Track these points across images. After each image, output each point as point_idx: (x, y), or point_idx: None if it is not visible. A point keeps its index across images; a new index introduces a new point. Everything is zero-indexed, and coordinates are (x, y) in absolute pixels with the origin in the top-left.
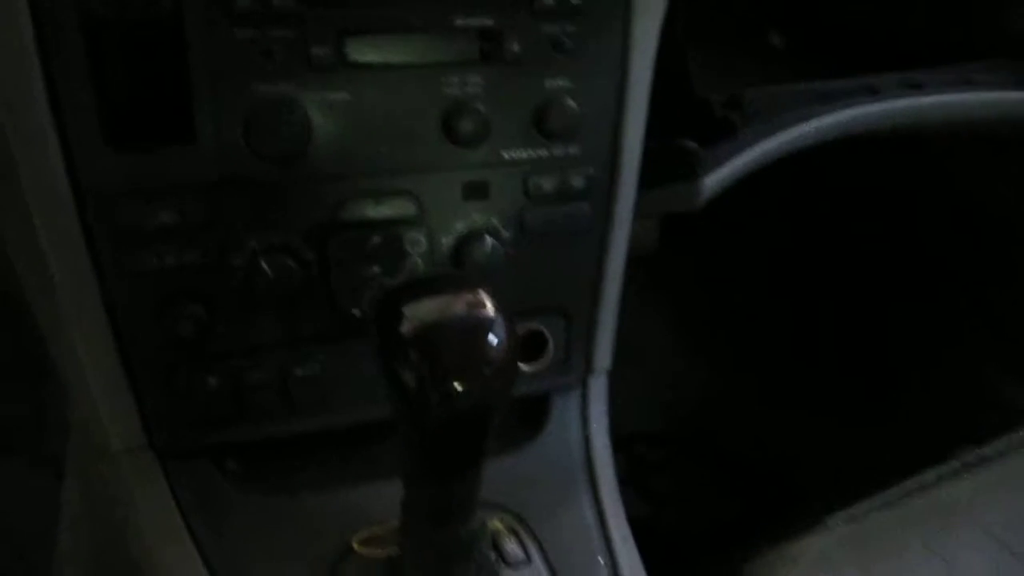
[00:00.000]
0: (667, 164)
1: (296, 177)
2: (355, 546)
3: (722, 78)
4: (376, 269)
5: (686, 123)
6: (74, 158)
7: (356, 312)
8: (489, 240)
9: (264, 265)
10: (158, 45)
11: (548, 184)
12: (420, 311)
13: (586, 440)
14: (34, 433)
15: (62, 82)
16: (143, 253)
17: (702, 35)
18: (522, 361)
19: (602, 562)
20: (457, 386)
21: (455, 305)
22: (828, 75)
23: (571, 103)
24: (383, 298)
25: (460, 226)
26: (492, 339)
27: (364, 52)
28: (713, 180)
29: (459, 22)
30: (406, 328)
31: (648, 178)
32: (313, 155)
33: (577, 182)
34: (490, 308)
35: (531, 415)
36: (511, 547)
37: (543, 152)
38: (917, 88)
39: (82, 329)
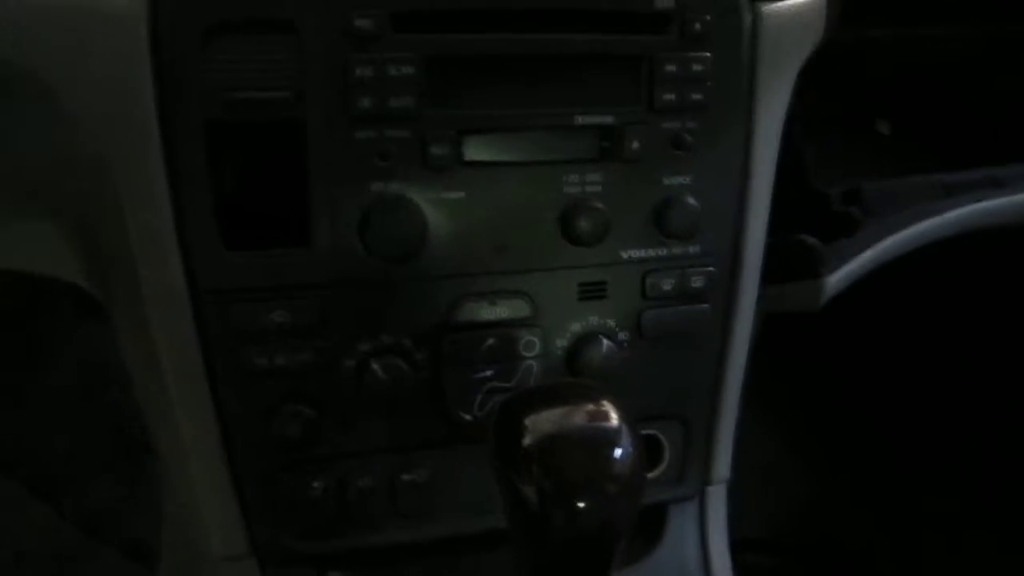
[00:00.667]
0: (787, 261)
1: (410, 277)
2: None
3: (830, 166)
4: (489, 372)
5: (804, 217)
6: (192, 258)
7: (467, 417)
8: (605, 342)
9: (375, 367)
10: (279, 148)
11: (667, 284)
12: (542, 422)
13: (705, 556)
14: (126, 518)
15: (185, 184)
16: (255, 353)
17: (809, 123)
18: None
19: None
20: (581, 504)
21: (578, 416)
22: (935, 163)
23: (691, 201)
24: (502, 407)
25: (575, 327)
26: (618, 453)
27: (481, 151)
28: (836, 279)
29: (579, 120)
30: (528, 440)
31: (767, 275)
32: (428, 255)
33: (697, 282)
34: (615, 419)
35: (646, 527)
36: None
37: (662, 251)
38: None
39: (190, 427)
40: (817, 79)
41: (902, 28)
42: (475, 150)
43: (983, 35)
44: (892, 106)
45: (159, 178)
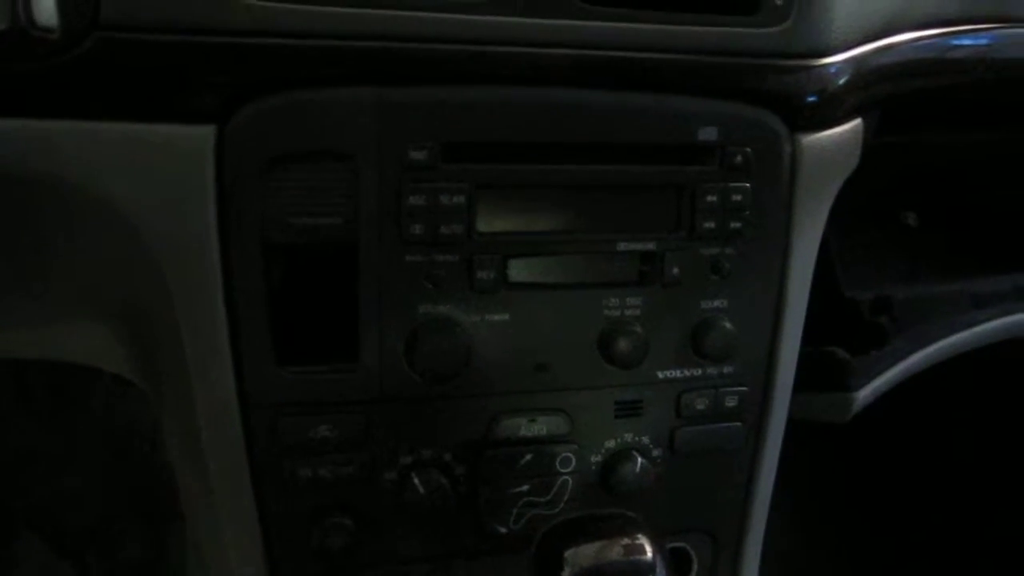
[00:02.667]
0: (817, 372)
1: (452, 394)
2: None
3: (857, 259)
4: (525, 487)
5: (834, 325)
6: (244, 372)
7: (502, 529)
8: (639, 459)
9: (416, 481)
10: (330, 269)
11: (701, 403)
12: (581, 556)
13: None
14: None
15: (241, 303)
16: (300, 465)
17: (835, 214)
18: None
19: None
20: None
21: (615, 550)
22: (962, 257)
23: (727, 325)
24: (542, 538)
25: (610, 444)
26: None
27: (525, 274)
28: (866, 392)
29: (622, 246)
30: (567, 573)
31: (796, 384)
32: (471, 373)
33: (730, 401)
34: (650, 554)
35: None
36: None
37: (697, 371)
38: None
39: (232, 530)
40: None
41: (932, 135)
42: (519, 273)
43: (1010, 140)
44: (919, 199)
45: (216, 296)
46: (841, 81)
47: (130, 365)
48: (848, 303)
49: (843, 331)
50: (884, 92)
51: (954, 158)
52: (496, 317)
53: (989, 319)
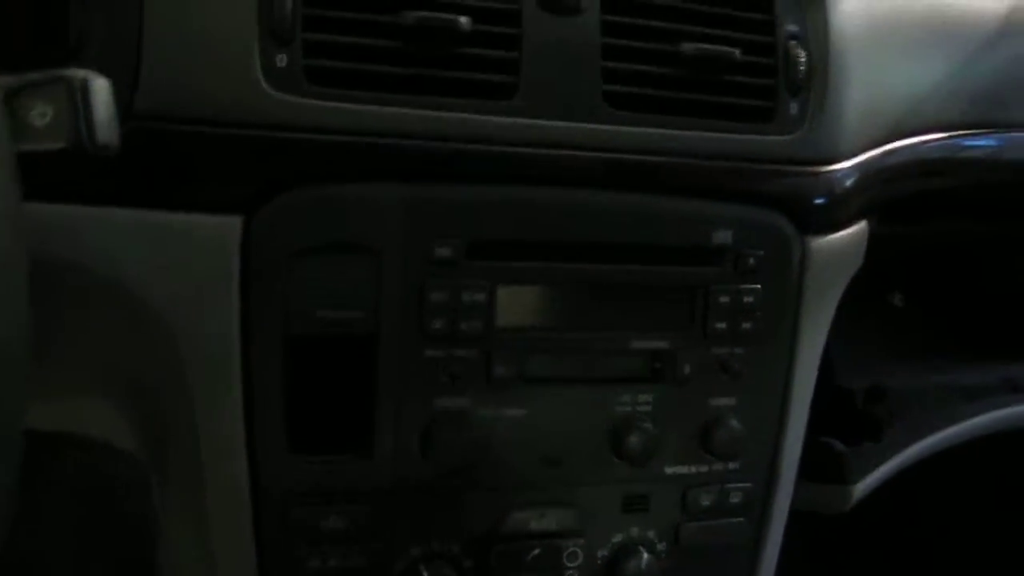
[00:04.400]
0: (814, 464)
1: (464, 488)
2: None
3: (843, 339)
4: None
5: (827, 413)
6: (257, 459)
7: None
8: (644, 555)
9: (425, 573)
10: (350, 361)
11: (706, 499)
12: None
13: None
14: None
15: (259, 392)
16: (309, 554)
17: None
18: None
19: None
20: None
21: None
22: (948, 340)
23: (735, 422)
24: None
25: (617, 538)
26: None
27: (541, 369)
28: (864, 485)
29: (636, 344)
30: None
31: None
32: (484, 467)
33: (735, 497)
34: None
35: None
36: None
37: (704, 467)
38: None
39: None
40: None
41: (925, 225)
42: (535, 368)
43: (1000, 231)
44: (904, 278)
45: (234, 384)
46: (849, 185)
47: (136, 443)
48: (841, 392)
49: (836, 419)
50: (889, 194)
51: (942, 243)
52: (511, 411)
53: (980, 412)
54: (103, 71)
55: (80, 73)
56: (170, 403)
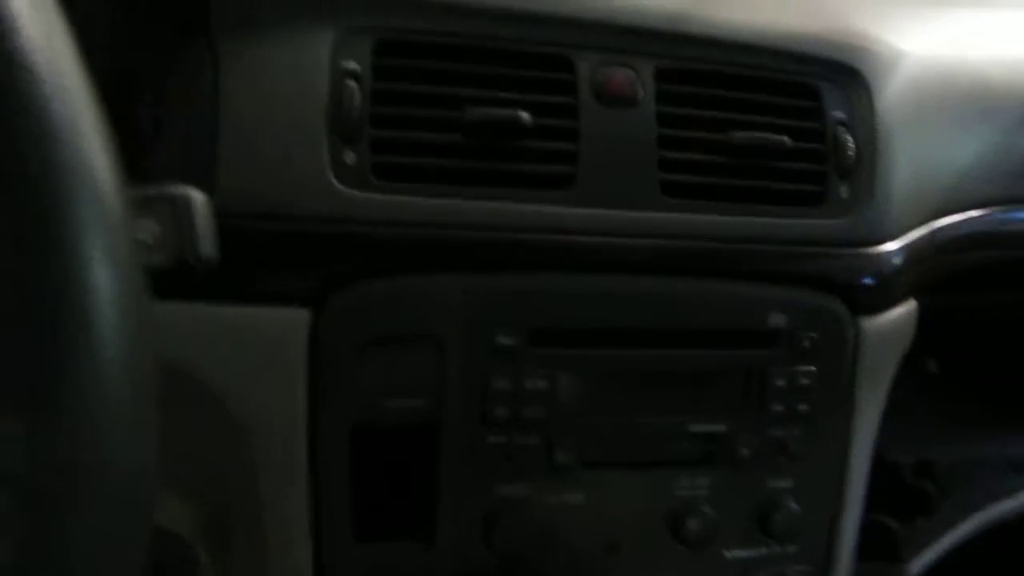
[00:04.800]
0: (865, 542)
1: (526, 574)
2: None
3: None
4: None
5: (877, 490)
6: (322, 548)
7: None
8: None
9: None
10: (413, 449)
11: None
12: None
13: None
14: None
15: (325, 480)
16: None
17: None
18: None
19: None
20: None
21: None
22: (988, 409)
23: (794, 505)
24: None
25: None
26: None
27: (600, 454)
28: (918, 564)
29: (694, 428)
30: None
31: None
32: (545, 554)
33: None
34: None
35: None
36: None
37: (762, 551)
38: None
39: None
40: None
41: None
42: (596, 454)
43: None
44: (939, 345)
45: (301, 473)
46: (899, 264)
47: (197, 531)
48: (888, 466)
49: (886, 495)
50: (937, 271)
51: (985, 314)
52: (572, 498)
53: None
54: (181, 172)
55: (181, 190)
56: (236, 491)
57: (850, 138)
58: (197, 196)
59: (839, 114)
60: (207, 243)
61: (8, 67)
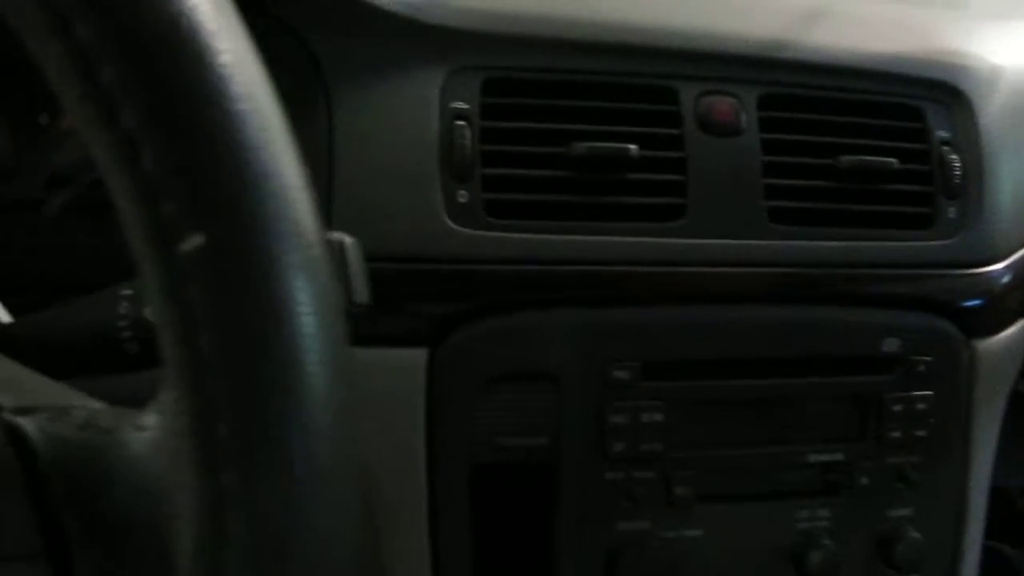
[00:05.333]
0: (982, 570)
1: None
2: None
3: None
4: None
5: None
6: None
7: None
8: None
9: None
10: (531, 486)
11: None
12: None
13: None
14: None
15: (444, 520)
16: None
17: None
18: None
19: None
20: None
21: None
22: None
23: (915, 534)
24: None
25: None
26: None
27: (718, 487)
28: None
29: (811, 458)
30: None
31: None
32: None
33: None
34: None
35: None
36: None
37: None
38: None
39: None
40: None
41: None
42: (713, 486)
43: None
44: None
45: (420, 513)
46: (1010, 283)
47: None
48: (997, 491)
49: (995, 521)
50: None
51: None
52: (691, 532)
53: None
54: None
55: (335, 235)
56: None
57: (956, 157)
58: (350, 241)
59: (944, 134)
60: (362, 288)
61: (239, 129)
